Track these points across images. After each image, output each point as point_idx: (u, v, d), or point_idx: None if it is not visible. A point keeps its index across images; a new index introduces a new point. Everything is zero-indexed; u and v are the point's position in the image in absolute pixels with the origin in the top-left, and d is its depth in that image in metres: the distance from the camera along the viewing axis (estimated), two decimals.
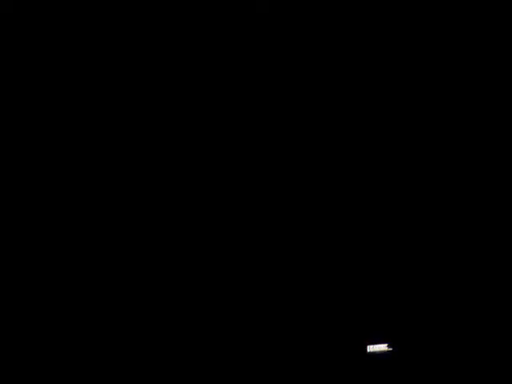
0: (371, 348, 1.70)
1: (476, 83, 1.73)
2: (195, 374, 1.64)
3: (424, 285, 1.74)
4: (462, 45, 1.70)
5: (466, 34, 1.68)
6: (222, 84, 1.69)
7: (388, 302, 1.73)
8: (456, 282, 1.74)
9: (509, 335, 1.68)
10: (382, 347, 1.70)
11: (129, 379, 1.61)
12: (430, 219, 1.77)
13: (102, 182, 1.66)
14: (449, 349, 1.71)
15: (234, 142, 1.72)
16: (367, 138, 1.78)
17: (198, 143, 1.71)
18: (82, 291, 1.63)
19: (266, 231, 1.69)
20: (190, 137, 1.71)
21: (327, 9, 1.63)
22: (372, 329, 1.71)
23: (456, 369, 1.68)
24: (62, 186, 1.64)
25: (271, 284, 1.69)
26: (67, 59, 1.60)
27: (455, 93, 1.75)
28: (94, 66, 1.62)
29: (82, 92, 1.64)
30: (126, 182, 1.67)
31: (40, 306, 1.60)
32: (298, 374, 1.67)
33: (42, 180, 1.63)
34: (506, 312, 1.70)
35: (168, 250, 1.66)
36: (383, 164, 1.78)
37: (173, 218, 1.67)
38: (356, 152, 1.77)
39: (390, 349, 1.70)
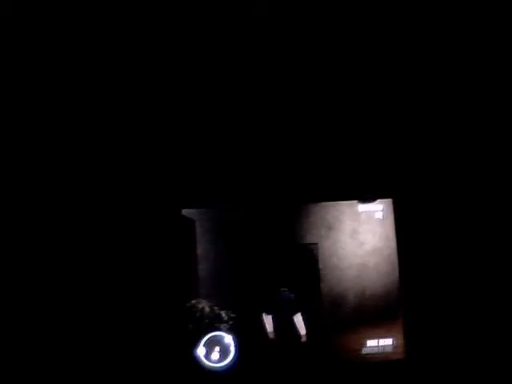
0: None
1: (476, 83, 1.74)
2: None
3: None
4: (461, 45, 1.71)
5: (465, 34, 1.69)
6: (220, 86, 1.70)
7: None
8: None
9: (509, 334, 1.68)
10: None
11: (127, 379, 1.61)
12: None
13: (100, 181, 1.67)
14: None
15: (231, 143, 1.73)
16: (365, 138, 1.79)
17: (195, 144, 1.73)
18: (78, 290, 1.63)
19: None
20: (186, 139, 1.72)
21: (327, 11, 1.64)
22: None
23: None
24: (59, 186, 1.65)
25: None
26: (67, 62, 1.61)
27: (455, 92, 1.76)
28: (94, 69, 1.63)
29: (82, 94, 1.65)
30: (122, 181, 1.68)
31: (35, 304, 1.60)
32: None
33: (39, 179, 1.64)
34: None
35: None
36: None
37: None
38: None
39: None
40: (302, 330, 1.65)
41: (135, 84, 1.65)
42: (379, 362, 1.68)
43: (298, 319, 1.65)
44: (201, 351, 1.63)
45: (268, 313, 1.66)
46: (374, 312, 1.76)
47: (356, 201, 1.75)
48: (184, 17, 1.56)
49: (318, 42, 1.67)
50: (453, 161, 1.76)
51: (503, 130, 1.74)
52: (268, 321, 1.66)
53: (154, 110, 1.68)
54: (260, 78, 1.69)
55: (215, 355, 1.63)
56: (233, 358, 1.63)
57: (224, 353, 1.63)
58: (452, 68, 1.72)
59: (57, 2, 1.48)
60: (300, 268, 1.73)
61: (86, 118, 1.65)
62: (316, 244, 1.77)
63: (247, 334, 1.64)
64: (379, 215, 1.73)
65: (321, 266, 1.76)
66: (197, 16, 1.56)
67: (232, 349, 1.63)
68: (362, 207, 1.72)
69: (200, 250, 1.68)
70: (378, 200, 1.74)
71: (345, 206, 1.80)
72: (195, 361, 1.62)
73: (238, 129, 1.72)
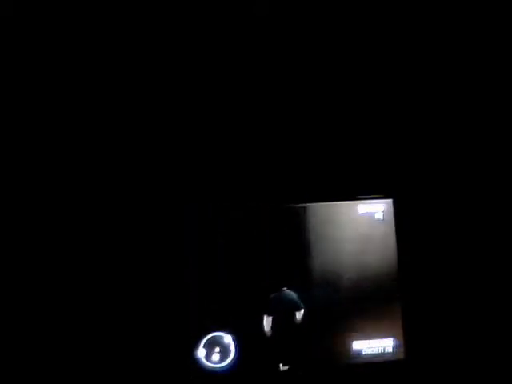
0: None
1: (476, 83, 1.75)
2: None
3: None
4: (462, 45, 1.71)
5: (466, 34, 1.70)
6: (219, 87, 1.70)
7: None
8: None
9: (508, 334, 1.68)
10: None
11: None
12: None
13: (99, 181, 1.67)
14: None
15: (230, 144, 1.73)
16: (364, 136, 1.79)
17: (194, 146, 1.73)
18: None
19: None
20: (185, 140, 1.72)
21: (329, 12, 1.64)
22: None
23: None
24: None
25: None
26: (67, 63, 1.61)
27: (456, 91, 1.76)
28: (94, 69, 1.64)
29: (83, 92, 1.65)
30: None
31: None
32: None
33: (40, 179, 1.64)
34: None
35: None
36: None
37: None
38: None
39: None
40: (299, 316, 1.66)
41: (136, 84, 1.66)
42: (379, 362, 1.68)
43: (300, 313, 1.65)
44: (201, 352, 1.62)
45: (269, 314, 1.66)
46: (374, 301, 1.68)
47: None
48: (183, 16, 1.57)
49: (317, 41, 1.68)
50: (453, 161, 1.76)
51: (504, 130, 1.74)
52: (267, 321, 1.66)
53: (153, 110, 1.69)
54: (259, 78, 1.69)
55: (215, 356, 1.63)
56: (233, 358, 1.63)
57: (224, 353, 1.63)
58: (452, 68, 1.73)
59: (57, 1, 1.48)
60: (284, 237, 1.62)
61: (87, 116, 1.65)
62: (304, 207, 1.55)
63: (247, 334, 1.64)
64: (379, 216, 1.72)
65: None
66: (196, 16, 1.57)
67: (232, 349, 1.63)
68: (362, 208, 1.72)
69: (197, 249, 1.66)
70: (378, 200, 1.73)
71: None
72: (195, 361, 1.62)
73: (238, 128, 1.72)
